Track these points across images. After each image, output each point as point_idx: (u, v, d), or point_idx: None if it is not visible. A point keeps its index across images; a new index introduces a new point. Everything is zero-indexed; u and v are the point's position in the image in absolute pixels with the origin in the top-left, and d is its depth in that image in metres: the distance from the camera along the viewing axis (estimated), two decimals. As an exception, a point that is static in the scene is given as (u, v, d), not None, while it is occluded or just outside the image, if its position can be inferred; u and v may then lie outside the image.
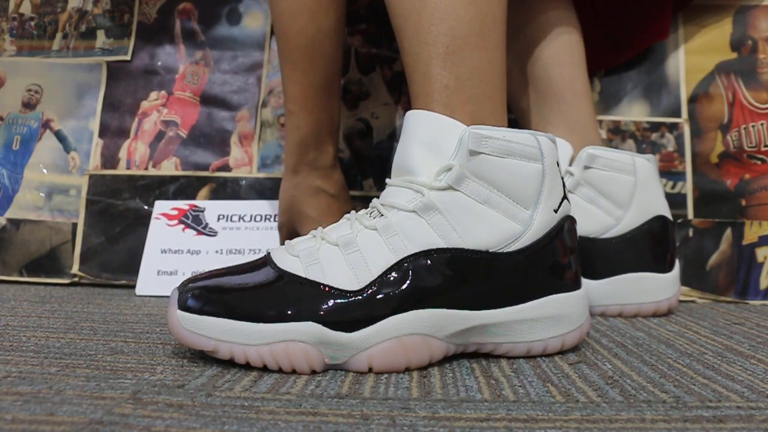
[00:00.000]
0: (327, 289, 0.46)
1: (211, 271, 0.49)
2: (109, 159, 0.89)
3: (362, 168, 0.88)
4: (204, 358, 0.49)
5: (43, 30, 0.94)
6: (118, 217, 0.87)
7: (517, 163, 0.48)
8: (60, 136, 0.90)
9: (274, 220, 0.83)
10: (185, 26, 0.92)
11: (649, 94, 0.87)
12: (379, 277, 0.46)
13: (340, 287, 0.46)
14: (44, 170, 0.89)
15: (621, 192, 0.70)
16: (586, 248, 0.69)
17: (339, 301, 0.45)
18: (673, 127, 0.86)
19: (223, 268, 0.50)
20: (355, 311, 0.45)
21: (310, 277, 0.46)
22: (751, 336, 0.60)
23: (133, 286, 0.82)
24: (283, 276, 0.47)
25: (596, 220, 0.69)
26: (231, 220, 0.84)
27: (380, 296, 0.45)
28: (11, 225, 0.88)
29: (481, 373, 0.45)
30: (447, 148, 0.48)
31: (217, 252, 0.82)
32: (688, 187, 0.84)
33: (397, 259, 0.46)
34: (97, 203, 0.88)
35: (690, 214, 0.84)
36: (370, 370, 0.45)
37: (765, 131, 0.85)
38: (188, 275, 0.80)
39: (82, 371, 0.44)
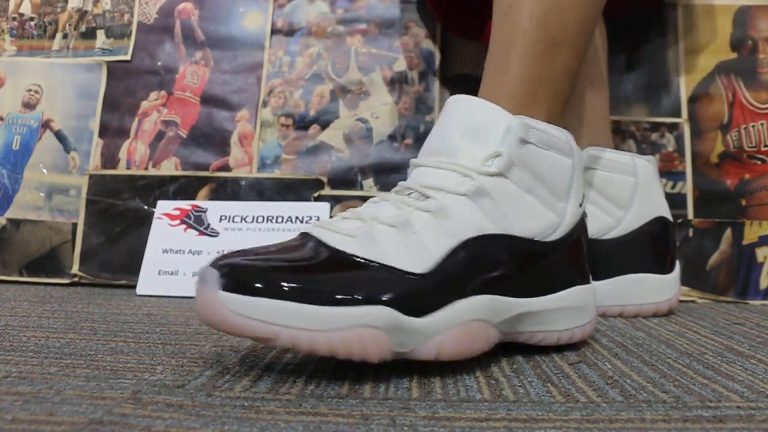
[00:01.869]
0: (395, 271, 0.42)
1: (245, 249, 0.43)
2: (109, 159, 0.89)
3: (362, 168, 0.88)
4: (204, 357, 0.49)
5: (43, 30, 0.95)
6: (118, 217, 0.87)
7: (556, 156, 0.50)
8: (60, 136, 0.90)
9: (276, 222, 0.84)
10: (185, 26, 0.92)
11: (649, 95, 0.87)
12: (442, 260, 0.44)
13: (406, 270, 0.43)
14: (44, 170, 0.89)
15: (621, 193, 0.70)
16: (588, 249, 0.69)
17: (409, 284, 0.42)
18: (673, 127, 0.86)
19: (258, 247, 0.44)
20: (425, 295, 0.43)
21: (374, 259, 0.43)
22: (751, 336, 0.60)
23: (133, 286, 0.82)
24: (343, 257, 0.43)
25: (597, 221, 0.69)
26: (233, 221, 0.84)
27: (447, 280, 0.44)
28: (11, 225, 0.88)
29: (481, 373, 0.45)
30: (492, 135, 0.48)
31: (218, 252, 0.82)
32: (688, 187, 0.84)
33: (457, 243, 0.45)
34: (97, 203, 0.88)
35: (690, 214, 0.84)
36: (437, 358, 0.43)
37: (765, 131, 0.85)
38: (189, 275, 0.80)
39: (82, 371, 0.44)
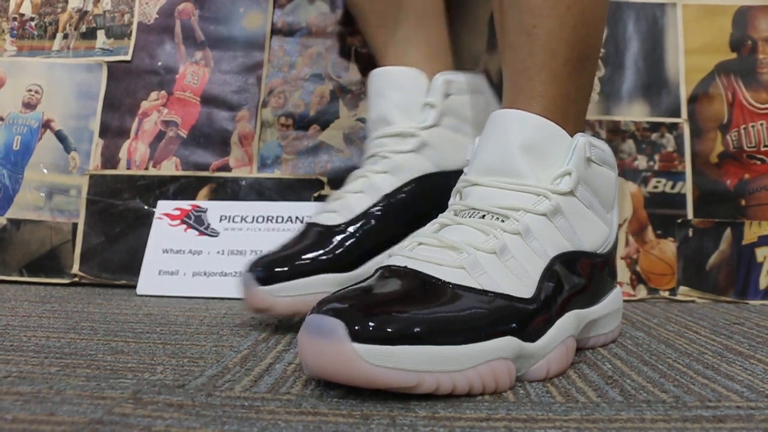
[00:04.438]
0: (509, 298, 0.43)
1: (331, 296, 0.41)
2: (110, 159, 0.89)
3: (362, 168, 0.88)
4: (204, 357, 0.49)
5: (43, 30, 0.95)
6: (118, 217, 0.87)
7: (607, 171, 0.53)
8: (60, 136, 0.90)
9: (276, 222, 0.84)
10: (185, 26, 0.92)
11: (649, 94, 0.87)
12: (539, 282, 0.45)
13: (517, 296, 0.43)
14: (44, 170, 0.89)
15: (480, 116, 0.67)
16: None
17: (524, 310, 0.43)
18: (672, 127, 0.86)
19: (352, 289, 0.42)
20: (536, 319, 0.44)
21: (490, 289, 0.43)
22: (750, 336, 0.60)
23: (133, 286, 0.82)
24: (460, 290, 0.42)
25: (463, 149, 0.64)
26: (233, 221, 0.84)
27: (547, 301, 0.45)
28: (11, 225, 0.88)
29: (481, 373, 0.45)
30: (556, 154, 0.49)
31: (218, 252, 0.82)
32: (687, 187, 0.84)
33: (546, 263, 0.46)
34: (98, 203, 0.88)
35: (690, 214, 0.84)
36: (545, 377, 0.44)
37: (764, 131, 0.85)
38: (189, 275, 0.80)
39: (82, 371, 0.44)
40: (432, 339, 0.38)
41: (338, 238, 0.60)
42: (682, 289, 0.82)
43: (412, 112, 0.65)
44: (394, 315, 0.38)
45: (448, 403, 0.38)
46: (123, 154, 0.89)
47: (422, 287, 0.42)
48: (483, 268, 0.43)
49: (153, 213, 0.86)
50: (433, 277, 0.42)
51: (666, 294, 0.82)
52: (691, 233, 0.83)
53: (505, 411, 0.37)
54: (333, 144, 0.88)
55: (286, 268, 0.58)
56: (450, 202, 0.51)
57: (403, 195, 0.63)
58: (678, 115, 0.86)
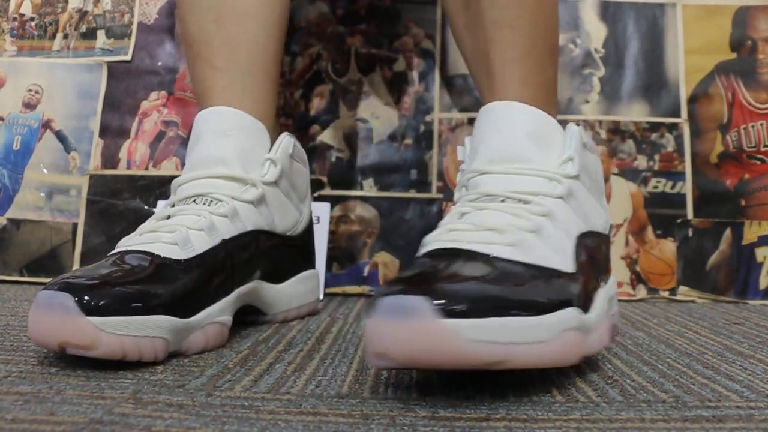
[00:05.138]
0: (561, 273, 0.44)
1: (395, 278, 0.40)
2: (110, 159, 0.89)
3: (362, 168, 0.88)
4: (204, 357, 0.49)
5: (43, 30, 0.95)
6: (118, 217, 0.87)
7: (595, 156, 0.54)
8: (60, 136, 0.90)
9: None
10: (185, 26, 0.92)
11: (649, 95, 0.87)
12: (575, 258, 0.46)
13: (565, 270, 0.44)
14: (45, 170, 0.89)
15: (303, 187, 0.67)
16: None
17: (574, 283, 0.44)
18: (672, 127, 0.86)
19: (426, 269, 0.41)
20: (585, 291, 0.45)
21: (543, 264, 0.43)
22: (750, 336, 0.60)
23: (134, 286, 0.82)
24: (522, 266, 0.42)
25: (288, 216, 0.65)
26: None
27: (588, 275, 0.47)
28: (12, 225, 0.88)
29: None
30: (556, 141, 0.51)
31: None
32: (687, 187, 0.84)
33: (574, 243, 0.47)
34: (98, 203, 0.88)
35: (690, 214, 0.84)
36: (599, 349, 0.46)
37: (764, 131, 0.85)
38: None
39: (82, 371, 0.44)
40: (514, 310, 0.37)
41: (182, 276, 0.50)
42: (682, 289, 0.82)
43: (252, 162, 0.60)
44: (476, 286, 0.38)
45: (448, 402, 0.38)
46: (123, 154, 0.89)
47: (482, 263, 0.41)
48: (531, 245, 0.44)
49: (153, 213, 0.86)
50: (488, 254, 0.42)
51: (666, 294, 0.82)
52: (691, 233, 0.83)
53: (505, 411, 0.37)
54: (333, 144, 0.88)
55: (120, 300, 0.46)
56: (457, 196, 0.52)
57: (238, 245, 0.57)
58: (678, 115, 0.86)
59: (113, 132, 0.90)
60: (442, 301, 0.35)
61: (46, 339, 0.44)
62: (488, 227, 0.44)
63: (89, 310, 0.43)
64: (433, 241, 0.45)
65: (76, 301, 0.43)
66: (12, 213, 0.89)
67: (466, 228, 0.45)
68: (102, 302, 0.44)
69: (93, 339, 0.43)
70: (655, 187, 0.85)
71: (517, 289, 0.40)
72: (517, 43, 0.55)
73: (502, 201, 0.47)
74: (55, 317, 0.43)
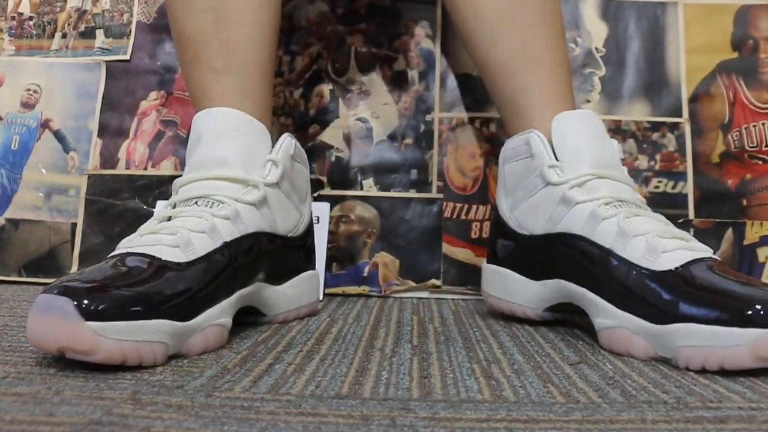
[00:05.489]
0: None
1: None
2: (108, 159, 0.89)
3: (362, 168, 0.87)
4: (204, 357, 0.48)
5: (42, 29, 0.94)
6: (117, 217, 0.87)
7: None
8: (59, 136, 0.90)
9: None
10: (185, 26, 0.92)
11: (650, 94, 0.87)
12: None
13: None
14: (43, 170, 0.89)
15: (304, 188, 0.67)
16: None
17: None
18: (674, 127, 0.86)
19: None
20: None
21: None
22: (752, 336, 0.60)
23: (133, 286, 0.82)
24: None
25: (290, 218, 0.64)
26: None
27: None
28: (10, 225, 0.88)
29: (482, 374, 0.45)
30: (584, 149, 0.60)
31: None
32: (689, 187, 0.84)
33: None
34: (96, 203, 0.88)
35: (691, 214, 0.84)
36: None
37: (766, 131, 0.85)
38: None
39: (80, 372, 0.44)
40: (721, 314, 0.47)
41: (183, 279, 0.50)
42: (683, 289, 0.82)
43: (253, 163, 0.60)
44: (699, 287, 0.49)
45: (448, 403, 0.38)
46: (122, 153, 0.89)
47: (628, 272, 0.53)
48: (656, 248, 0.52)
49: (152, 213, 0.85)
50: (622, 257, 0.54)
51: (667, 294, 0.82)
52: (692, 233, 0.83)
53: (506, 412, 0.37)
54: (333, 144, 0.88)
55: (120, 304, 0.45)
56: (578, 196, 0.58)
57: (240, 247, 0.56)
58: (679, 115, 0.86)
59: (112, 132, 0.90)
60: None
61: (46, 344, 0.44)
62: (674, 234, 0.55)
63: (89, 315, 0.42)
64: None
65: (75, 305, 0.42)
66: (10, 213, 0.88)
67: (662, 236, 0.54)
68: (102, 307, 0.43)
69: (93, 345, 0.43)
70: (657, 187, 0.84)
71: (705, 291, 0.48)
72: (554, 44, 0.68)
73: (608, 204, 0.57)
74: (55, 322, 0.43)
